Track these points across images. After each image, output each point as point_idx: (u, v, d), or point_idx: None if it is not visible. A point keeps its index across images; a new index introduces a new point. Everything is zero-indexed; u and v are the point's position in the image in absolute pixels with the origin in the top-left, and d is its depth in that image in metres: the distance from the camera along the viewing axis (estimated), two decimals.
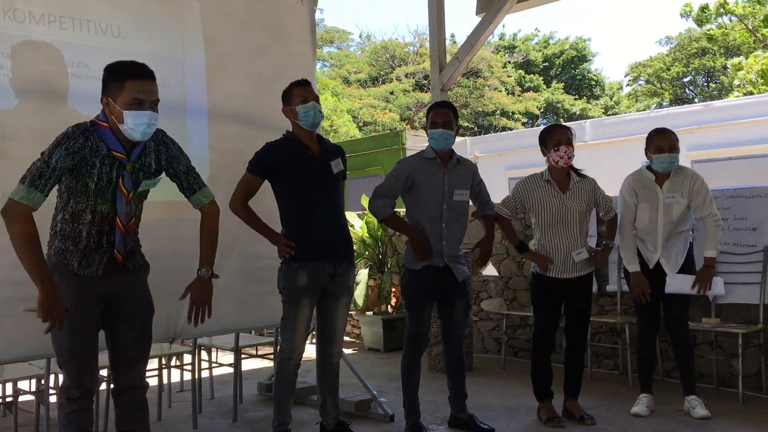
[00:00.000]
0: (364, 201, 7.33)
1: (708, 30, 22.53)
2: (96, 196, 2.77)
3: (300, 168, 3.69)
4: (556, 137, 4.16)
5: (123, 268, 2.89)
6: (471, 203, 4.18)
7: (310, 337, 4.43)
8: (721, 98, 20.65)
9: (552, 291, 4.21)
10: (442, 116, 3.97)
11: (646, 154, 4.39)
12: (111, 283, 2.85)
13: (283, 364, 3.73)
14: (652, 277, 4.30)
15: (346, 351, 6.77)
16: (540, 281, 4.24)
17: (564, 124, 4.40)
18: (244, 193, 3.72)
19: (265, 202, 3.87)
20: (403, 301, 4.14)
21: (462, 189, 4.01)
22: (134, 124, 2.70)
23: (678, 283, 4.23)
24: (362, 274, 7.03)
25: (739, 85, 19.11)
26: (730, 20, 21.51)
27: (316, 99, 3.78)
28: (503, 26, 31.32)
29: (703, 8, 21.14)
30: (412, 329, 4.01)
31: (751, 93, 17.90)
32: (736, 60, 20.12)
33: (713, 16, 21.24)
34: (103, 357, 3.11)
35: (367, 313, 7.18)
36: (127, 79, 2.68)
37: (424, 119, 4.16)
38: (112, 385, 3.04)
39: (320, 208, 3.70)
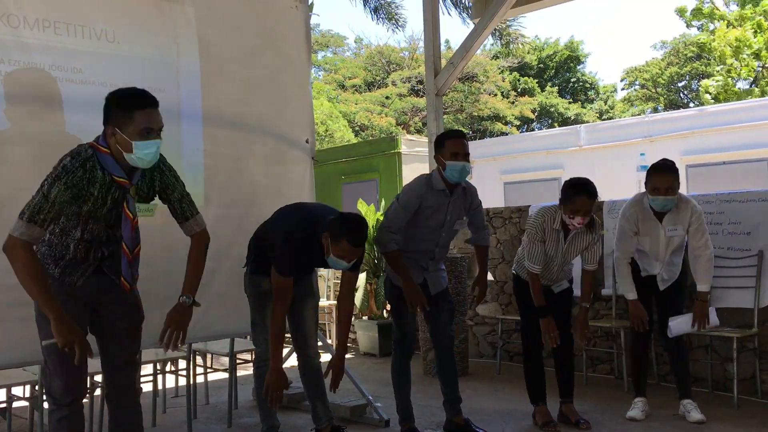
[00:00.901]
0: (360, 205, 7.33)
1: (698, 38, 22.61)
2: (88, 216, 2.74)
3: (308, 267, 3.74)
4: (576, 205, 3.92)
5: (108, 281, 2.87)
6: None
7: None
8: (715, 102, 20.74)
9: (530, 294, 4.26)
10: (463, 147, 3.83)
11: (646, 186, 4.18)
12: (96, 289, 2.84)
13: (260, 369, 3.74)
14: (645, 279, 4.32)
15: None
16: (522, 284, 4.30)
17: (591, 187, 3.96)
18: (286, 298, 3.52)
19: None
20: (388, 306, 4.16)
21: (461, 218, 4.02)
22: (144, 154, 2.69)
23: (679, 326, 4.21)
24: (359, 279, 7.03)
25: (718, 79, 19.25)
26: (719, 26, 21.57)
27: (358, 258, 3.56)
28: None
29: (695, 12, 21.25)
30: (398, 333, 4.05)
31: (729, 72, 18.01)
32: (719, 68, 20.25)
33: (706, 20, 21.34)
34: (97, 362, 3.11)
35: (363, 317, 7.17)
36: (135, 110, 2.67)
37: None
38: (105, 391, 3.02)
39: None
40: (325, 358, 4.02)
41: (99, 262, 2.83)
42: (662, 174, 4.08)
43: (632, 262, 4.35)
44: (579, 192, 3.93)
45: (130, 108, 2.67)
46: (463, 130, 25.69)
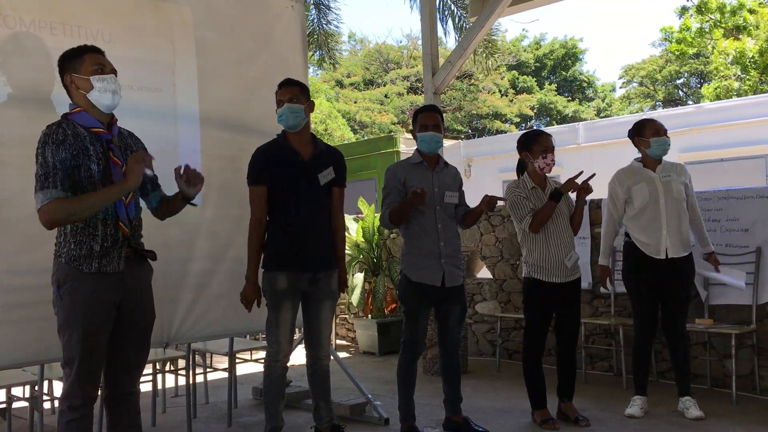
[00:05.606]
0: (361, 204, 7.34)
1: (674, 48, 22.28)
2: (103, 178, 2.77)
3: (286, 173, 3.67)
4: (543, 144, 4.22)
5: (138, 260, 2.90)
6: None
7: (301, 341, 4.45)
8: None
9: (544, 296, 4.21)
10: (432, 119, 4.03)
11: (638, 144, 4.54)
12: (127, 282, 2.84)
13: (270, 368, 3.74)
14: (657, 276, 4.29)
15: (342, 355, 6.77)
16: (533, 286, 4.24)
17: (544, 130, 4.48)
18: (257, 207, 3.69)
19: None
20: (401, 305, 4.14)
21: (451, 191, 4.04)
22: (102, 87, 2.80)
23: (733, 278, 4.50)
24: (357, 278, 7.04)
25: (716, 75, 19.10)
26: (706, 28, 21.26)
27: (291, 99, 3.68)
28: (506, 30, 31.17)
29: (681, 31, 21.03)
30: (408, 334, 4.01)
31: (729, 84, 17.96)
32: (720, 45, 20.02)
33: (694, 37, 21.09)
34: None
35: (362, 316, 7.18)
36: (85, 53, 2.85)
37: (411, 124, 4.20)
38: (105, 392, 3.02)
39: (302, 215, 3.67)
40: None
41: (128, 240, 2.84)
42: (655, 120, 4.56)
43: (636, 249, 4.34)
44: (540, 134, 4.31)
45: (80, 52, 2.85)
46: (462, 128, 25.71)
